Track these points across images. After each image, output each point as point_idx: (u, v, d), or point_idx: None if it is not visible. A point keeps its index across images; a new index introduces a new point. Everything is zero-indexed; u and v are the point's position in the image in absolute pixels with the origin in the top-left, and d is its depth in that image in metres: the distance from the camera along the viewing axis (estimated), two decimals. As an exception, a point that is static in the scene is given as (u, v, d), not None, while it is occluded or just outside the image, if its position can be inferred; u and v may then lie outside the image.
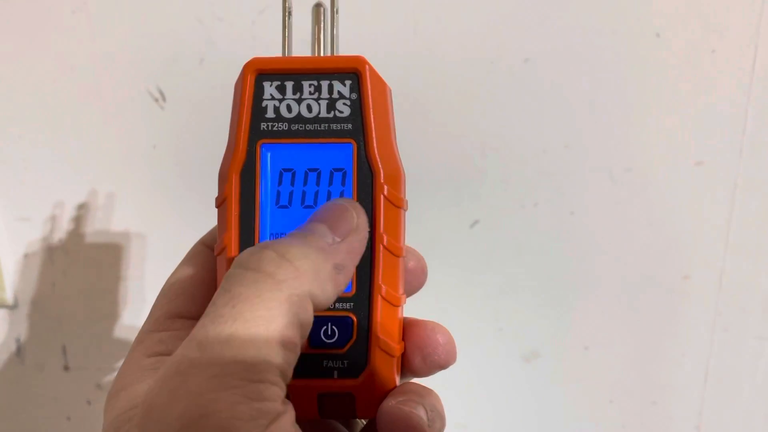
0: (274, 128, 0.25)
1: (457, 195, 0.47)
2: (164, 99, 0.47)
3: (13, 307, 0.52)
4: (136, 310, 0.51)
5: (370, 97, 0.25)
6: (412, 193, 0.48)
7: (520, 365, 0.51)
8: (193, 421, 0.18)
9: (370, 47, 0.45)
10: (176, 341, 0.23)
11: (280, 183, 0.25)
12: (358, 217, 0.24)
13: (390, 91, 0.26)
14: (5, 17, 0.46)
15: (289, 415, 0.20)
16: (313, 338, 0.25)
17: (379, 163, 0.25)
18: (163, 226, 0.50)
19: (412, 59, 0.45)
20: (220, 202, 0.26)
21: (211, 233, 0.28)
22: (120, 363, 0.53)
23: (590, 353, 0.50)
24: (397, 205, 0.25)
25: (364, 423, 0.27)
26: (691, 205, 0.46)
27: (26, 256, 0.51)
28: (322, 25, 0.26)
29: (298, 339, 0.21)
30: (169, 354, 0.23)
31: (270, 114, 0.25)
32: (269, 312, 0.20)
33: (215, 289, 0.24)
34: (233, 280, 0.21)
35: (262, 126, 0.25)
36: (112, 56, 0.46)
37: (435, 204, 0.47)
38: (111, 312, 0.51)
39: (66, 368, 0.53)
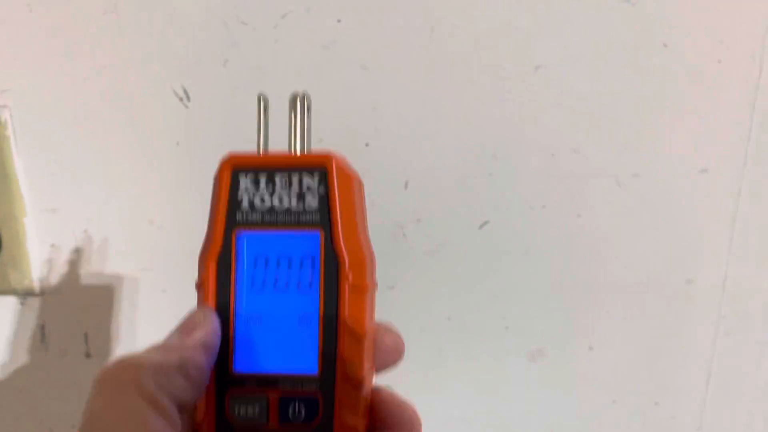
0: (249, 218, 0.27)
1: (467, 196, 0.49)
2: (189, 98, 0.49)
3: (39, 294, 0.54)
4: (156, 299, 0.53)
5: (336, 190, 0.26)
6: (424, 194, 0.49)
7: (526, 364, 0.52)
8: None
9: (385, 52, 0.46)
10: None
11: (254, 268, 0.27)
12: (198, 316, 0.26)
13: (359, 183, 0.28)
14: (38, 17, 0.48)
15: None
16: (282, 415, 0.26)
17: (344, 251, 0.26)
18: (183, 221, 0.52)
19: (427, 63, 0.46)
20: (198, 286, 0.28)
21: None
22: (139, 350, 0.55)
23: (595, 353, 0.51)
24: (361, 291, 0.27)
25: None
26: (695, 210, 0.47)
27: (53, 246, 0.53)
28: (298, 117, 0.28)
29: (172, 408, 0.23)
30: None
31: (245, 205, 0.27)
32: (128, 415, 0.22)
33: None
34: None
35: (237, 216, 0.27)
36: (139, 56, 0.48)
37: (446, 204, 0.49)
38: (133, 301, 0.53)
39: (87, 355, 0.55)
